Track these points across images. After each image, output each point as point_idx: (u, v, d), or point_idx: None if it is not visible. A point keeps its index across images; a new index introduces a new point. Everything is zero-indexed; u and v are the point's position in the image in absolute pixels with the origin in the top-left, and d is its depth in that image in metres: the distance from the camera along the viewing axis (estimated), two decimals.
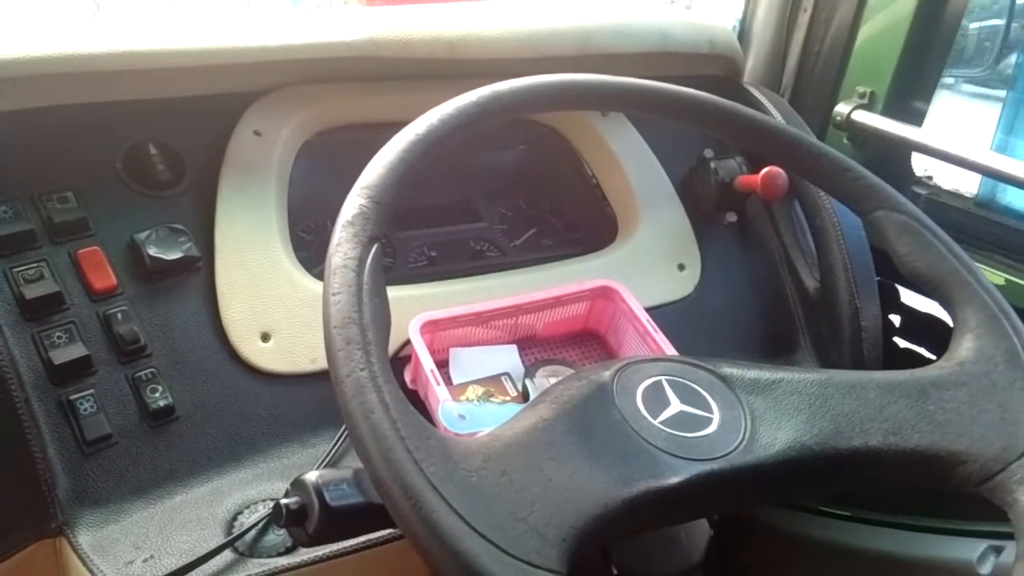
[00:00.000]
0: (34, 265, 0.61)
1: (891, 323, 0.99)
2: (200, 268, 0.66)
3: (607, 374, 0.50)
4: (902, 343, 0.97)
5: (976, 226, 0.88)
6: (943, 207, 0.92)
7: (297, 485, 0.44)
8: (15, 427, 0.54)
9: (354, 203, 0.46)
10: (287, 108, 0.74)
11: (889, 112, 0.91)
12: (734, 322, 0.83)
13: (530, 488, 0.41)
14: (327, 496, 0.44)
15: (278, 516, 0.44)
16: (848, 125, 0.93)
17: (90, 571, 0.53)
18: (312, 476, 0.44)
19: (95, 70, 0.67)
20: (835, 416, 0.50)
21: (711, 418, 0.49)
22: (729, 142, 0.61)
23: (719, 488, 0.47)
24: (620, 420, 0.47)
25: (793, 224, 0.86)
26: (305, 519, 0.44)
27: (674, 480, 0.45)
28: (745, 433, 0.48)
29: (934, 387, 0.51)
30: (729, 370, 0.52)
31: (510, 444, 0.43)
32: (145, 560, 0.54)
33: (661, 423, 0.48)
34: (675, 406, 0.49)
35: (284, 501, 0.44)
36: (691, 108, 0.59)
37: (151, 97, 0.70)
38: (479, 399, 0.69)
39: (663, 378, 0.51)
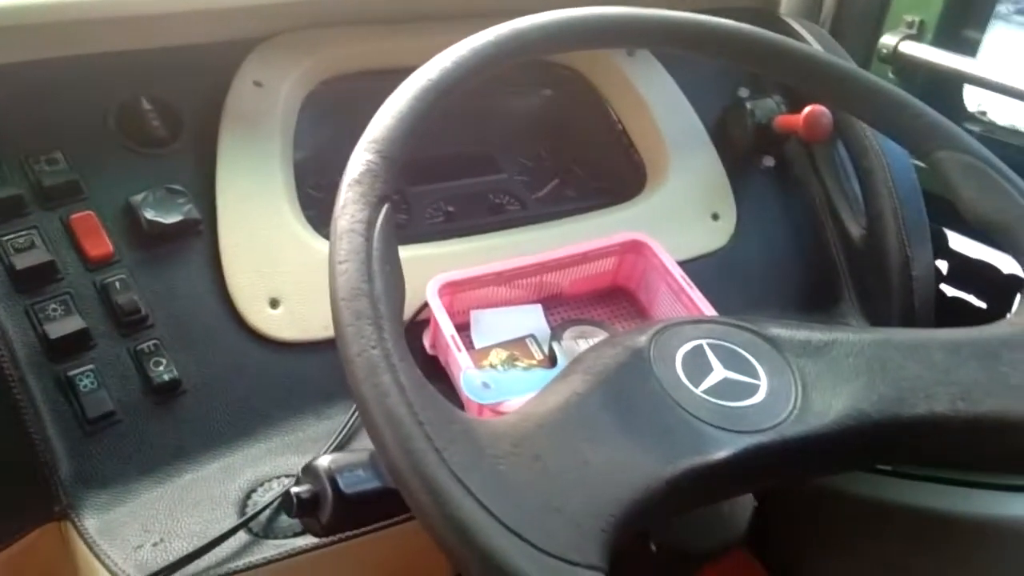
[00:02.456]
0: (24, 233, 0.57)
1: (938, 270, 0.94)
2: (202, 231, 0.62)
3: (643, 339, 0.46)
4: (950, 291, 0.92)
5: None
6: (999, 144, 0.86)
7: (308, 472, 0.41)
8: (10, 407, 0.52)
9: (361, 159, 0.41)
10: (289, 55, 0.70)
11: (940, 43, 0.85)
12: (772, 274, 0.79)
13: (565, 474, 0.37)
14: (341, 483, 0.40)
15: (288, 506, 0.41)
16: (895, 57, 0.86)
17: (97, 556, 0.51)
18: (324, 461, 0.41)
19: (81, 19, 0.63)
20: (897, 380, 0.45)
21: (758, 385, 0.45)
22: (771, 78, 0.55)
23: (769, 461, 0.43)
24: (659, 391, 0.43)
25: (836, 167, 0.80)
26: (318, 508, 0.40)
27: (720, 455, 0.41)
28: (796, 401, 0.45)
29: (1006, 347, 0.47)
30: (776, 331, 0.48)
31: (542, 424, 0.39)
32: (155, 544, 0.51)
33: (704, 392, 0.44)
34: (718, 373, 0.46)
35: (295, 490, 0.41)
36: (728, 42, 0.54)
37: (143, 48, 0.66)
38: (503, 364, 0.65)
39: (704, 342, 0.47)
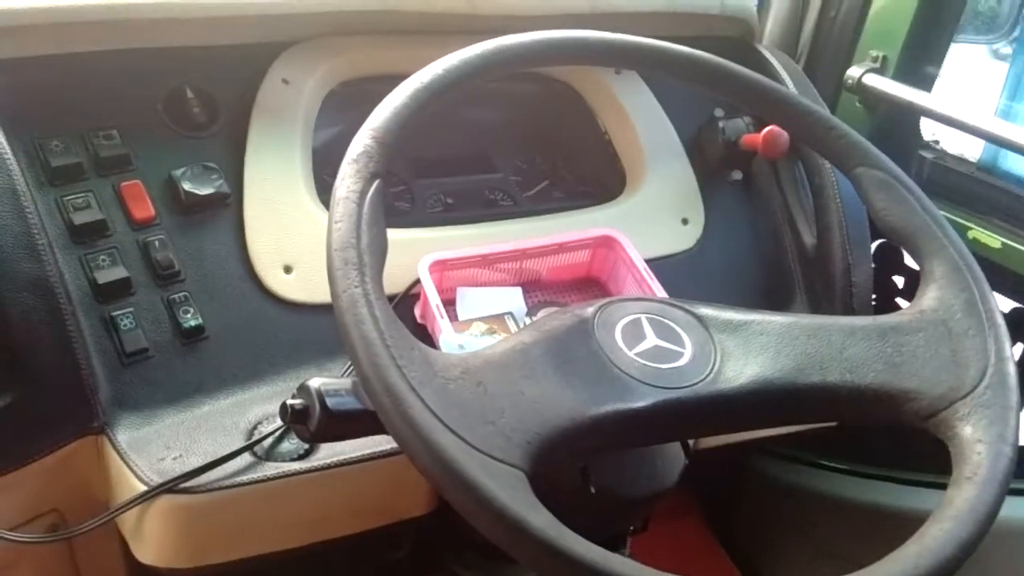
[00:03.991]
0: (82, 195, 0.67)
1: (894, 284, 1.01)
2: (230, 204, 0.71)
3: (590, 310, 0.54)
4: (903, 303, 1.00)
5: (977, 190, 0.90)
6: (947, 171, 0.94)
7: (302, 389, 0.50)
8: (63, 336, 0.61)
9: (360, 143, 0.51)
10: (314, 58, 0.79)
11: (900, 77, 0.93)
12: (733, 276, 0.87)
13: (501, 398, 0.45)
14: (327, 401, 0.49)
15: (284, 414, 0.50)
16: (859, 89, 0.95)
17: (127, 464, 0.60)
18: (315, 382, 0.50)
19: (139, 17, 0.72)
20: (798, 355, 0.53)
21: (683, 352, 0.53)
22: (721, 98, 0.64)
23: (683, 414, 0.51)
24: (597, 350, 0.51)
25: (796, 183, 0.89)
26: (307, 419, 0.50)
27: (640, 404, 0.49)
28: (713, 367, 0.52)
29: (894, 331, 0.55)
30: (705, 311, 0.56)
31: (489, 360, 0.48)
32: (175, 458, 0.60)
33: (636, 354, 0.52)
34: (650, 340, 0.53)
35: (290, 401, 0.50)
36: (685, 64, 0.62)
37: (190, 45, 0.76)
38: (482, 335, 0.74)
39: (643, 315, 0.55)
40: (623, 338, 0.53)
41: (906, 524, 0.97)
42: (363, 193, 0.48)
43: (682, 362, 0.53)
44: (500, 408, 0.45)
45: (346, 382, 0.51)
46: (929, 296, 0.57)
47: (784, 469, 1.14)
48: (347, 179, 0.49)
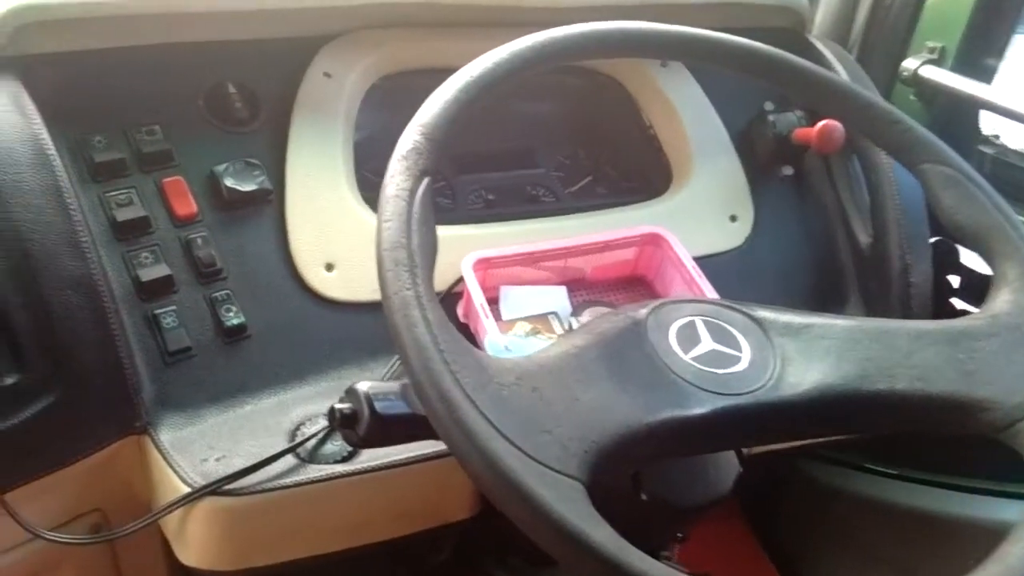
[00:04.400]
0: (124, 191, 0.66)
1: (949, 284, 0.98)
2: (272, 200, 0.70)
3: (643, 311, 0.52)
4: (960, 304, 0.97)
5: None
6: (1009, 167, 0.91)
7: (350, 393, 0.49)
8: (107, 334, 0.60)
9: (409, 139, 0.49)
10: (356, 51, 0.78)
11: (959, 68, 0.90)
12: (784, 274, 0.84)
13: (557, 404, 0.44)
14: (376, 405, 0.48)
15: (332, 419, 0.49)
16: (915, 81, 0.91)
17: (170, 465, 0.59)
18: (364, 386, 0.48)
19: (180, 11, 0.72)
20: (862, 360, 0.51)
21: (741, 357, 0.51)
22: (778, 90, 0.61)
23: (743, 422, 0.49)
24: (651, 353, 0.50)
25: (850, 179, 0.86)
26: (356, 423, 0.48)
27: (698, 411, 0.48)
28: (773, 372, 0.50)
29: (965, 337, 0.52)
30: (763, 313, 0.54)
31: (543, 365, 0.46)
32: (217, 459, 0.59)
33: (692, 359, 0.50)
34: (707, 344, 0.51)
35: (338, 406, 0.49)
36: (738, 55, 0.60)
37: (231, 39, 0.75)
38: (526, 335, 0.72)
39: (697, 318, 0.53)
40: (678, 341, 0.51)
41: (955, 530, 0.94)
42: (413, 191, 0.47)
43: (741, 367, 0.51)
44: (556, 415, 0.43)
45: (394, 385, 0.49)
46: (1002, 300, 0.54)
47: (829, 472, 1.11)
48: (397, 176, 0.47)
